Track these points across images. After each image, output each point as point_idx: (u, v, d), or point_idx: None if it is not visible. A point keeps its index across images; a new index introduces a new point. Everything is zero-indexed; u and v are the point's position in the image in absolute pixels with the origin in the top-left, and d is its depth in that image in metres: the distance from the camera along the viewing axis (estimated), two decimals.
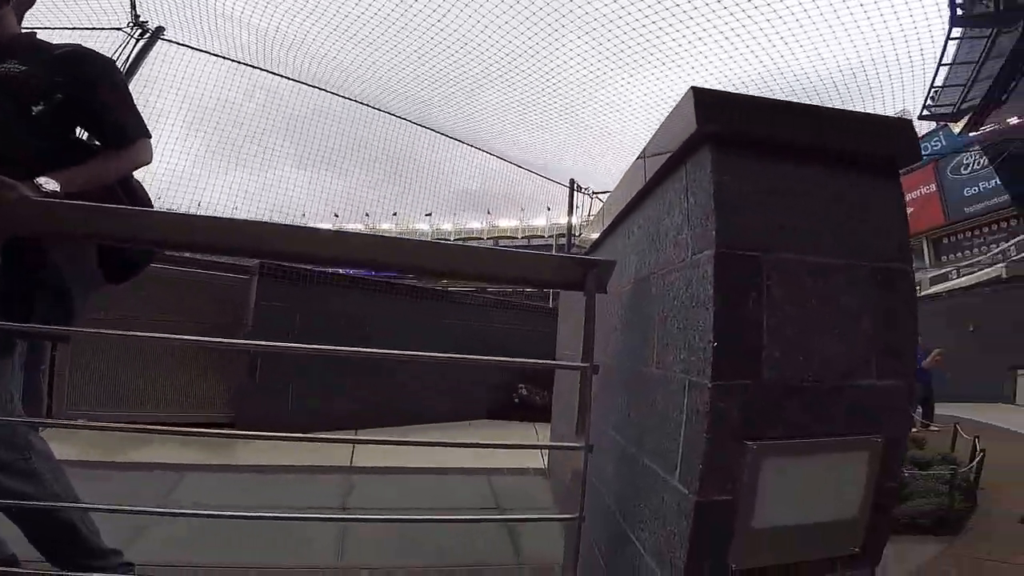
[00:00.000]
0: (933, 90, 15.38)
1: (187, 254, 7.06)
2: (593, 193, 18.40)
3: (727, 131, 1.52)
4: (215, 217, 2.10)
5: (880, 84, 15.15)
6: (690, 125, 1.53)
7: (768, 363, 1.39)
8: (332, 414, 6.96)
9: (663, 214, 1.86)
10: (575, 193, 18.51)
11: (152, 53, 12.02)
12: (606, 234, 2.87)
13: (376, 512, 3.87)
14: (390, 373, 7.75)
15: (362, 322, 7.51)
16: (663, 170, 1.83)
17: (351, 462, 5.49)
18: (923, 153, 25.34)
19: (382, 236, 2.10)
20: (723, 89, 1.70)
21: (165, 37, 12.53)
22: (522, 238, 46.42)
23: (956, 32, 12.77)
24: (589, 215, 17.18)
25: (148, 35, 11.68)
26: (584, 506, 1.94)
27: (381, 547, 3.23)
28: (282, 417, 6.70)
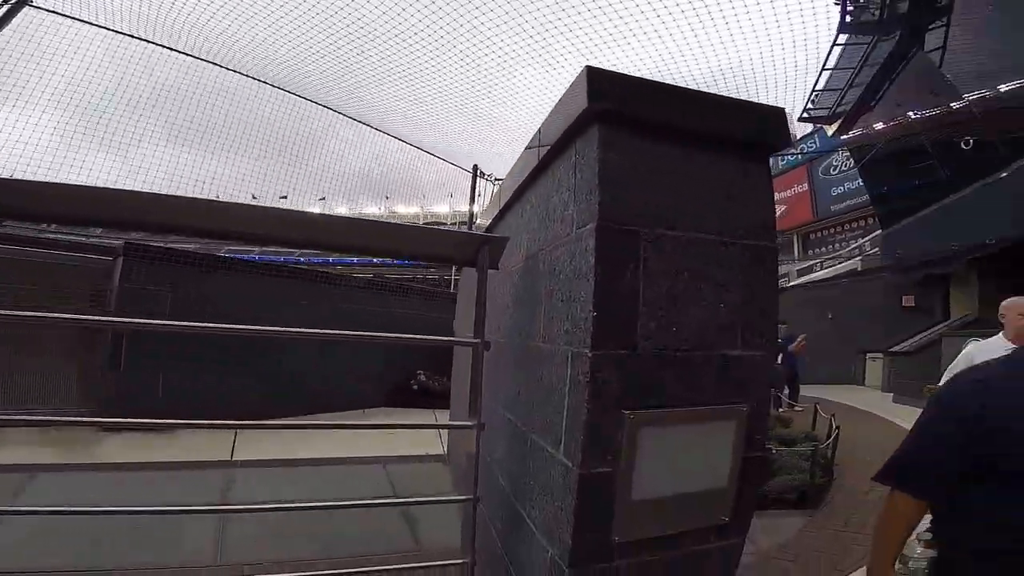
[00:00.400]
0: (814, 93, 16.89)
1: (33, 233, 6.28)
2: (496, 180, 18.40)
3: (615, 110, 1.57)
4: (59, 184, 1.85)
5: (767, 87, 16.44)
6: (581, 103, 1.57)
7: (644, 333, 1.47)
8: (210, 406, 6.44)
9: (553, 192, 1.90)
10: (478, 179, 18.40)
11: (16, 20, 10.40)
12: (500, 215, 2.89)
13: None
14: (277, 361, 7.32)
15: (248, 309, 7.01)
16: (555, 148, 1.87)
17: (232, 456, 5.17)
18: (799, 153, 28.06)
19: (266, 207, 1.96)
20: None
21: (34, 4, 10.85)
22: (423, 225, 45.93)
23: (842, 39, 14.05)
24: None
25: (13, 1, 10.07)
26: (478, 487, 1.94)
27: (266, 542, 3.08)
28: (151, 410, 6.13)
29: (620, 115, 1.57)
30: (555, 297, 1.71)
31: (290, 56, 16.13)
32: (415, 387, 9.34)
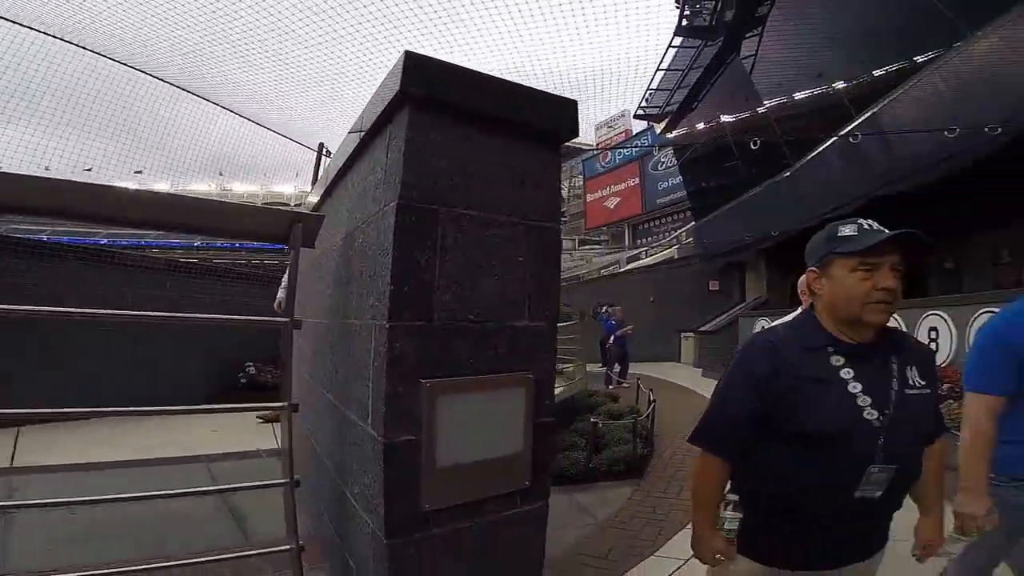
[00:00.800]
0: (648, 92, 18.15)
1: None
2: None
3: (426, 94, 1.66)
4: None
5: (619, 86, 17.56)
6: (396, 86, 1.64)
7: (440, 306, 1.59)
8: None
9: (370, 171, 1.95)
10: (323, 158, 17.34)
11: None
12: (327, 193, 2.87)
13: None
14: (72, 357, 6.31)
15: (33, 296, 5.94)
16: (374, 128, 1.92)
17: (11, 462, 4.44)
18: (631, 147, 30.64)
19: (27, 175, 1.73)
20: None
21: None
22: (262, 205, 42.57)
23: (677, 41, 15.18)
24: None
25: None
26: (293, 470, 1.93)
27: (67, 547, 2.76)
28: None
29: (430, 99, 1.66)
30: (365, 273, 1.78)
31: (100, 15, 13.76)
32: (244, 381, 8.65)
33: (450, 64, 1.74)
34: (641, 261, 23.33)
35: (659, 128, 20.65)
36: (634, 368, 11.95)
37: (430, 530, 1.64)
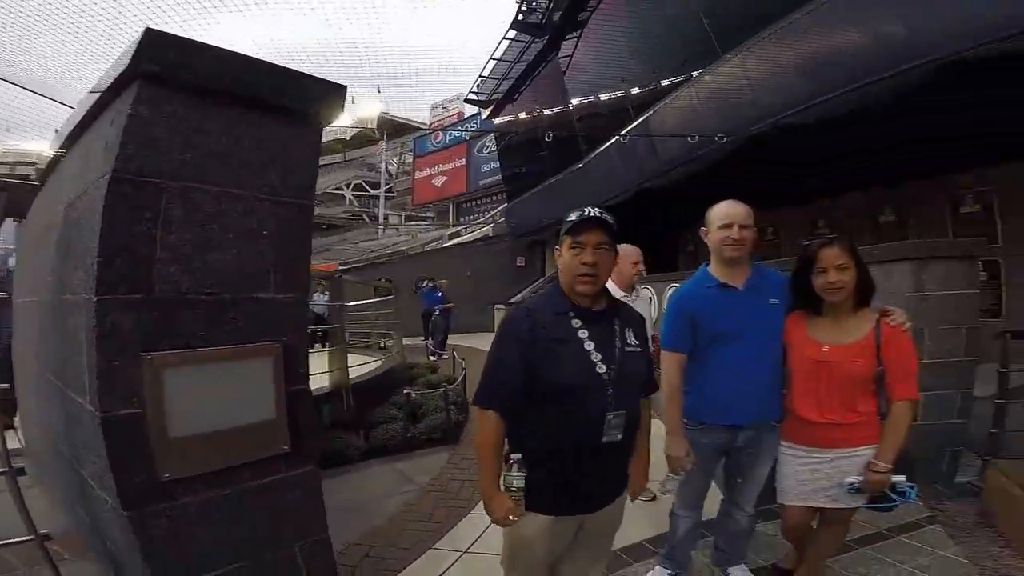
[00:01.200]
0: (480, 79, 18.52)
1: None
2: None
3: (159, 71, 1.59)
4: None
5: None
6: (127, 61, 1.55)
7: (162, 278, 1.55)
8: None
9: (95, 141, 1.80)
10: None
11: None
12: (56, 160, 2.53)
13: None
14: None
15: None
16: (103, 99, 1.77)
17: None
18: (459, 131, 30.92)
19: None
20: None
21: None
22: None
23: (512, 34, 15.58)
24: None
25: None
26: (9, 458, 1.76)
27: None
28: None
29: (167, 76, 1.60)
30: (80, 246, 1.65)
31: None
32: None
33: (194, 42, 1.68)
34: (461, 238, 23.76)
35: (485, 114, 21.13)
36: (454, 339, 12.24)
37: (176, 499, 1.59)
